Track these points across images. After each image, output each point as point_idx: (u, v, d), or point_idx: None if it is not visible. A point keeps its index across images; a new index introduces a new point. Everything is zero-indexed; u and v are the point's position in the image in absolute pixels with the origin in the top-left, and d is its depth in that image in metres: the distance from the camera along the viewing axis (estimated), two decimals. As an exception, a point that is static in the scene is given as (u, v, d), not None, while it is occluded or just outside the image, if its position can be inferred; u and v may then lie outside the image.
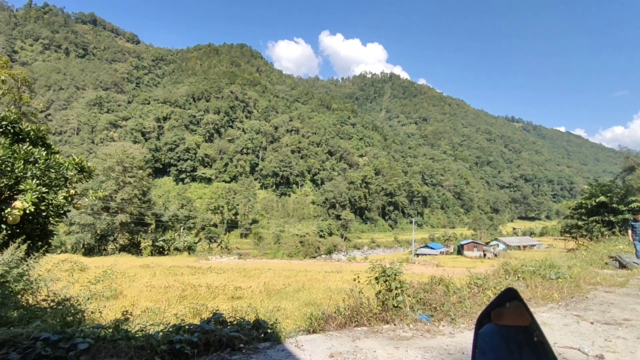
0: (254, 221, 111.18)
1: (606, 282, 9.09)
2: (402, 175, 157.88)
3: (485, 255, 74.35)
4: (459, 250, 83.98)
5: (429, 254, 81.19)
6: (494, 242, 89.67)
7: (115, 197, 57.96)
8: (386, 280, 6.53)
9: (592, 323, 5.77)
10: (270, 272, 29.67)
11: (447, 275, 8.01)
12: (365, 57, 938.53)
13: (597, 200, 26.38)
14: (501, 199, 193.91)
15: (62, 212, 6.61)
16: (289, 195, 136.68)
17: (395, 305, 6.18)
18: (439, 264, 47.12)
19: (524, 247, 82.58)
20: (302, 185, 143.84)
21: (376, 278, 6.71)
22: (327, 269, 35.16)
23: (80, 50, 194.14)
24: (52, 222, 6.69)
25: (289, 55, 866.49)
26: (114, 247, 57.61)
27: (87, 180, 7.50)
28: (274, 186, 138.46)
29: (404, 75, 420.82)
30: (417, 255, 76.20)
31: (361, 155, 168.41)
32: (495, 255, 66.69)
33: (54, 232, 7.18)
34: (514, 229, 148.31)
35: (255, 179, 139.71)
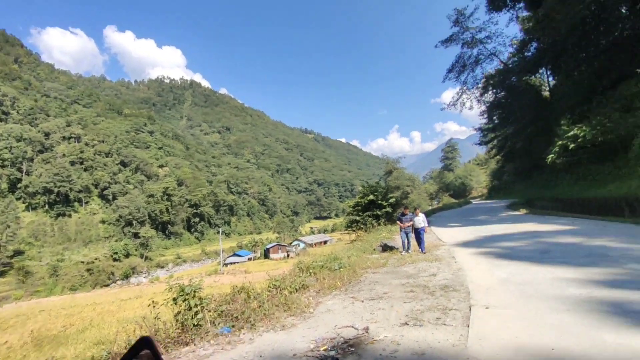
0: (17, 252, 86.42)
1: (374, 265, 11.26)
2: (207, 185, 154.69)
3: (289, 255, 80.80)
4: (266, 254, 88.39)
5: (238, 262, 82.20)
6: (296, 242, 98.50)
7: None
8: (185, 299, 6.21)
9: (362, 301, 7.01)
10: (42, 315, 23.81)
11: (248, 282, 8.23)
12: (162, 61, 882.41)
13: (368, 198, 32.87)
14: (300, 202, 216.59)
15: None
16: (70, 216, 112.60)
17: (196, 323, 5.94)
18: (247, 270, 48.43)
19: (318, 243, 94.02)
20: (87, 203, 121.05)
21: (174, 299, 6.32)
22: (124, 297, 31.08)
23: None
24: None
25: (64, 47, 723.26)
26: None
27: None
28: (47, 205, 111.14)
29: (205, 83, 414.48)
30: (226, 264, 75.91)
31: (161, 166, 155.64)
32: (297, 255, 73.37)
33: None
34: (311, 228, 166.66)
35: (18, 199, 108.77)
